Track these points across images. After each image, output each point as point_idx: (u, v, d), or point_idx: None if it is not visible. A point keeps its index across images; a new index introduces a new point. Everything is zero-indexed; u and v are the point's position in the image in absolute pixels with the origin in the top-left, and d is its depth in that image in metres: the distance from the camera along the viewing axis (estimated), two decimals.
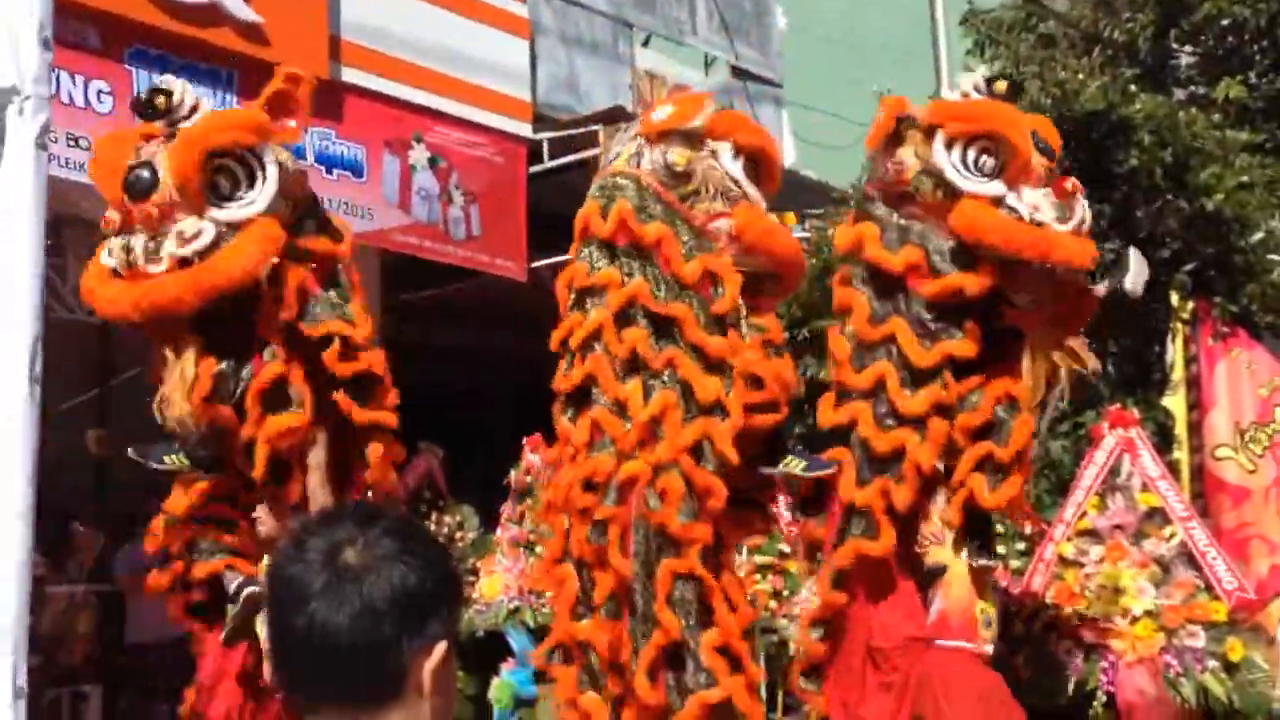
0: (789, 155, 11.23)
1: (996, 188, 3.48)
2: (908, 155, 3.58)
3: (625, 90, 9.68)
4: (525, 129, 8.66)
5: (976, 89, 3.66)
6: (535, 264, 8.44)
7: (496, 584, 6.76)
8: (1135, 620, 4.53)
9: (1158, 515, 4.76)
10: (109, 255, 3.55)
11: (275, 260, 3.54)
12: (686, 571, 3.25)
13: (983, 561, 3.80)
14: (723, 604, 3.29)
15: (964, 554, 3.78)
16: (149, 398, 3.81)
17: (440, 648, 1.36)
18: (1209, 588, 4.68)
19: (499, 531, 7.08)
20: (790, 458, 3.47)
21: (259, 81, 7.05)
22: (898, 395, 3.46)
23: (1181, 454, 6.15)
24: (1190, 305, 6.57)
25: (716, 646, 3.26)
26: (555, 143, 8.69)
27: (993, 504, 3.65)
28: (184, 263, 3.45)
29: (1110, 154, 7.32)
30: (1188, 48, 11.11)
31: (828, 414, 3.53)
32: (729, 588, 3.38)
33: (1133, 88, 8.19)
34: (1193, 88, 10.82)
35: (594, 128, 8.48)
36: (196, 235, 3.46)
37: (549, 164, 8.63)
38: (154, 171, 3.49)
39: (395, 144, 7.83)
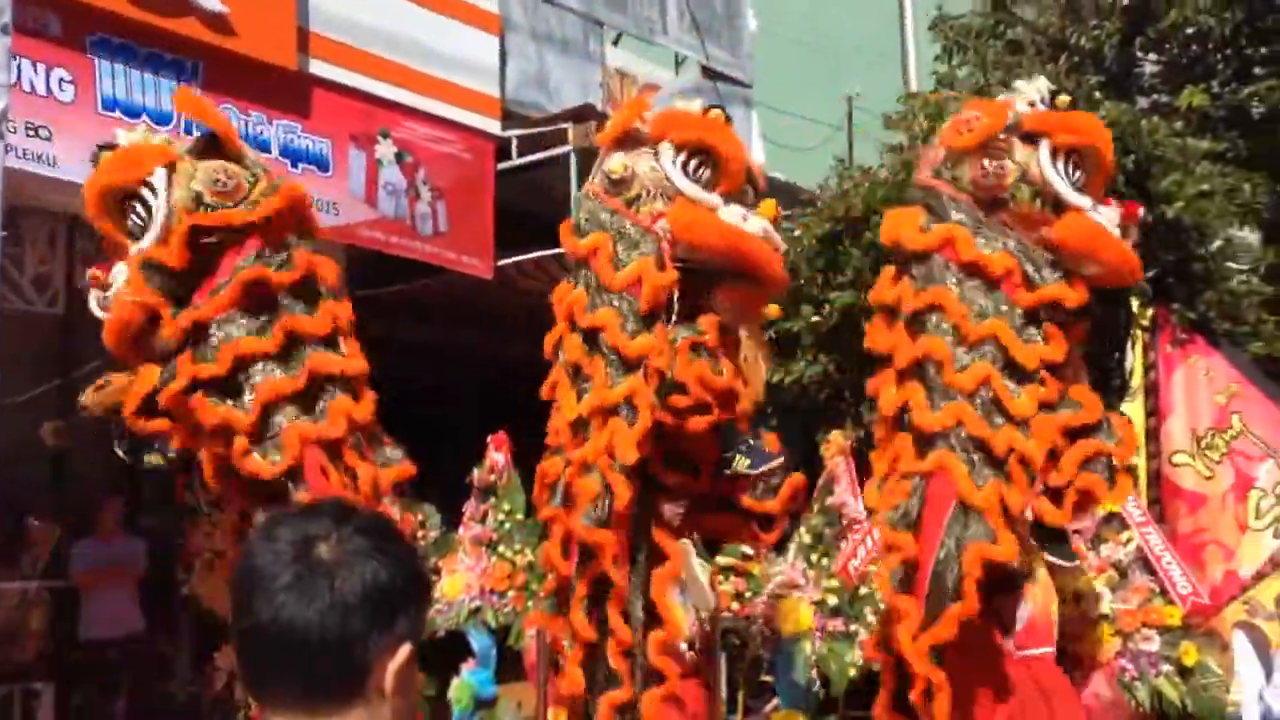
0: (758, 156, 11.26)
1: (1088, 203, 3.48)
2: (1009, 161, 3.53)
3: (595, 88, 9.67)
4: (494, 126, 8.63)
5: (1041, 100, 3.61)
6: (502, 262, 8.41)
7: (458, 583, 6.74)
8: (1094, 624, 4.57)
9: (1115, 520, 4.81)
10: None
11: None
12: (598, 574, 3.30)
13: (1063, 562, 3.84)
14: (617, 613, 3.31)
15: (1045, 556, 3.83)
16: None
17: (406, 648, 1.35)
18: (1164, 593, 4.74)
19: (461, 530, 7.06)
20: (738, 456, 3.47)
21: (225, 73, 7.08)
22: (1005, 395, 3.43)
23: (1139, 460, 6.21)
24: (1150, 312, 6.64)
25: (620, 651, 3.30)
26: (524, 140, 8.66)
27: (1113, 501, 3.69)
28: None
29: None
30: (1152, 56, 11.22)
31: (926, 415, 3.42)
32: (657, 597, 3.37)
33: (1098, 94, 8.28)
34: (1156, 96, 10.94)
35: (563, 126, 8.46)
36: (111, 284, 3.43)
37: (517, 161, 8.60)
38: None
39: (362, 138, 7.78)
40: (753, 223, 3.34)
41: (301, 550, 1.35)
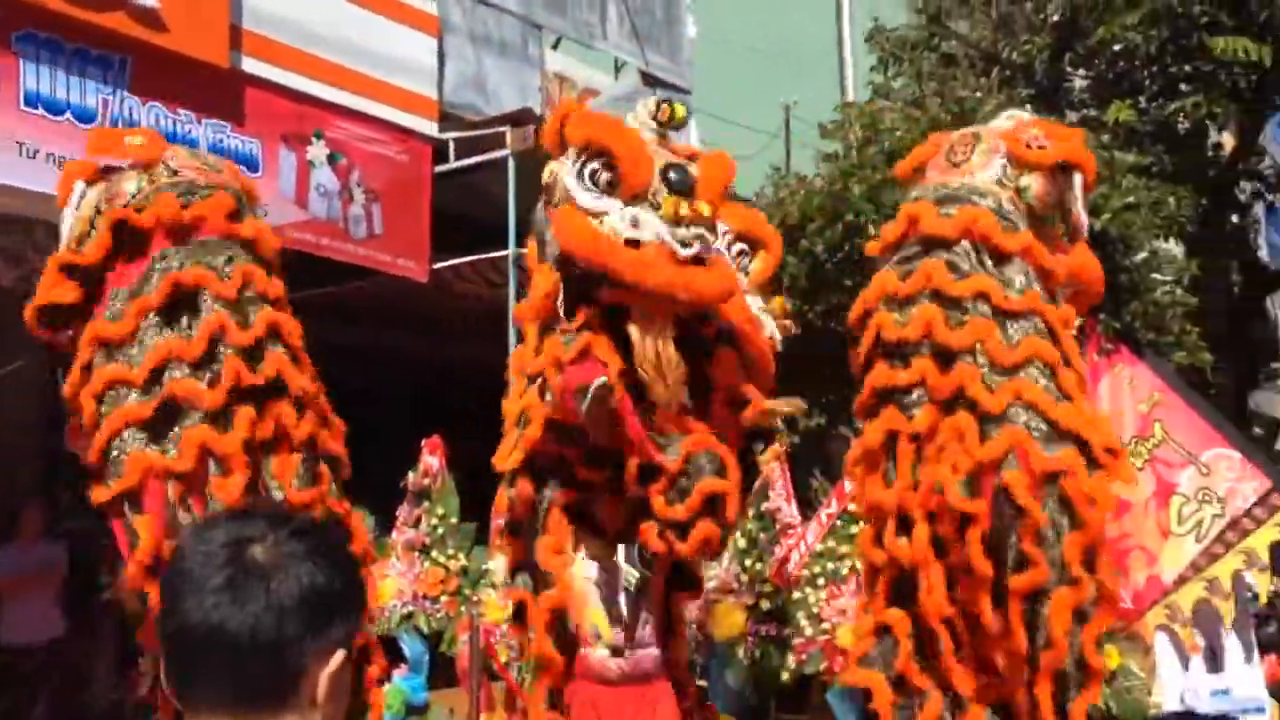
0: None
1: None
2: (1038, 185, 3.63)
3: (534, 92, 9.64)
4: (431, 128, 8.57)
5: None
6: (438, 265, 8.36)
7: (390, 588, 6.68)
8: None
9: None
10: None
11: None
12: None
13: None
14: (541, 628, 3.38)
15: None
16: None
17: (340, 654, 1.33)
18: None
19: (394, 535, 7.00)
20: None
21: (155, 70, 6.95)
22: (1062, 372, 3.52)
23: None
24: (1077, 322, 6.76)
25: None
26: (461, 143, 8.61)
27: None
28: None
29: None
30: (1081, 71, 11.47)
31: (995, 397, 3.41)
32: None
33: (1028, 107, 8.42)
34: (1085, 110, 11.18)
35: (501, 129, 8.43)
36: None
37: (455, 164, 8.56)
38: None
39: (293, 139, 7.67)
40: (645, 229, 3.23)
41: (235, 552, 1.32)
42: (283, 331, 3.28)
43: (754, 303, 3.55)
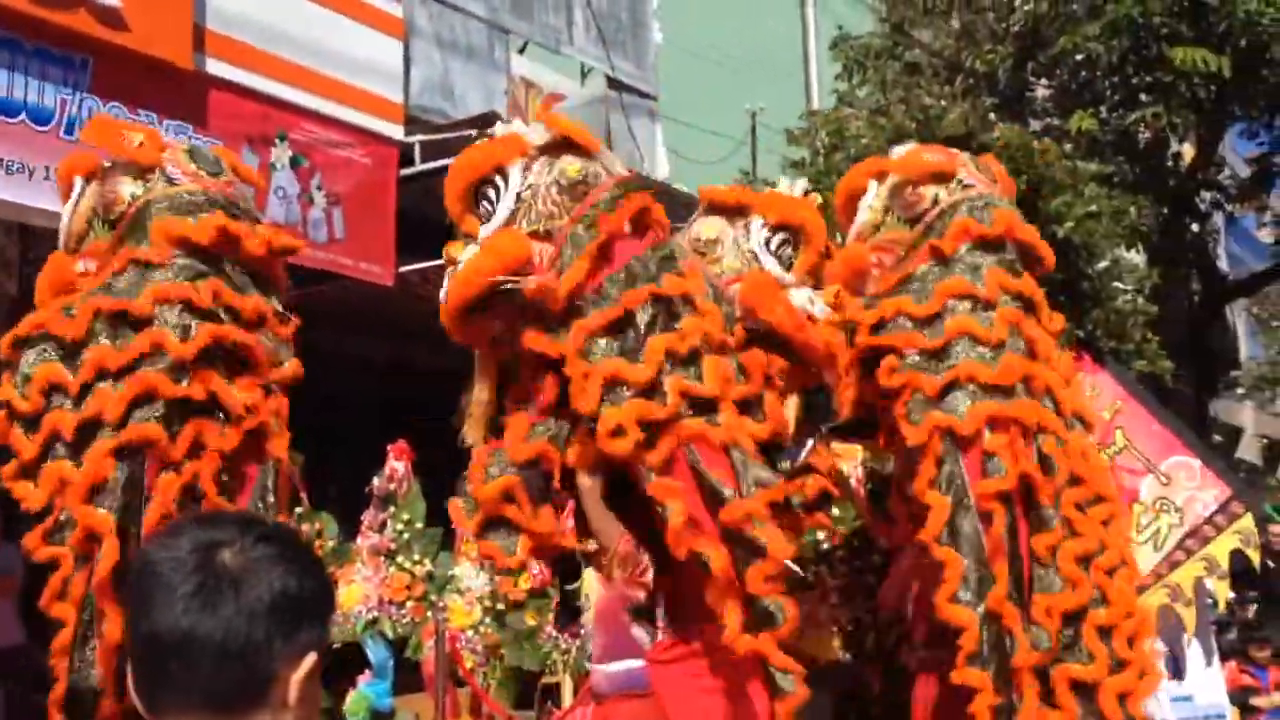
0: (662, 169, 11.31)
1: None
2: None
3: (500, 96, 9.62)
4: (397, 131, 8.53)
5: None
6: (404, 269, 8.31)
7: (355, 594, 6.62)
8: None
9: None
10: None
11: None
12: None
13: None
14: None
15: None
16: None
17: (310, 658, 1.33)
18: None
19: (359, 540, 6.94)
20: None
21: (117, 71, 6.87)
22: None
23: None
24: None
25: None
26: (427, 146, 8.57)
27: None
28: None
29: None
30: (1044, 81, 11.59)
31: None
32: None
33: (992, 116, 8.51)
34: (1048, 119, 11.30)
35: (467, 132, 8.39)
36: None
37: (420, 167, 8.52)
38: None
39: (257, 141, 7.60)
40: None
41: (205, 557, 1.31)
42: (225, 345, 3.28)
43: (801, 294, 3.70)
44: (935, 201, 3.88)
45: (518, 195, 3.40)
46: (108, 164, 3.46)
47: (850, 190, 3.93)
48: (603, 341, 3.22)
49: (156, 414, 3.14)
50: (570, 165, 3.44)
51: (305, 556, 1.39)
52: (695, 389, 3.21)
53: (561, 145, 3.50)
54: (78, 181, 3.44)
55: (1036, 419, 3.43)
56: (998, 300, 3.57)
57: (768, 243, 3.77)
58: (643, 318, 3.25)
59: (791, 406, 3.67)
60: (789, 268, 3.76)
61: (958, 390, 3.42)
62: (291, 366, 3.51)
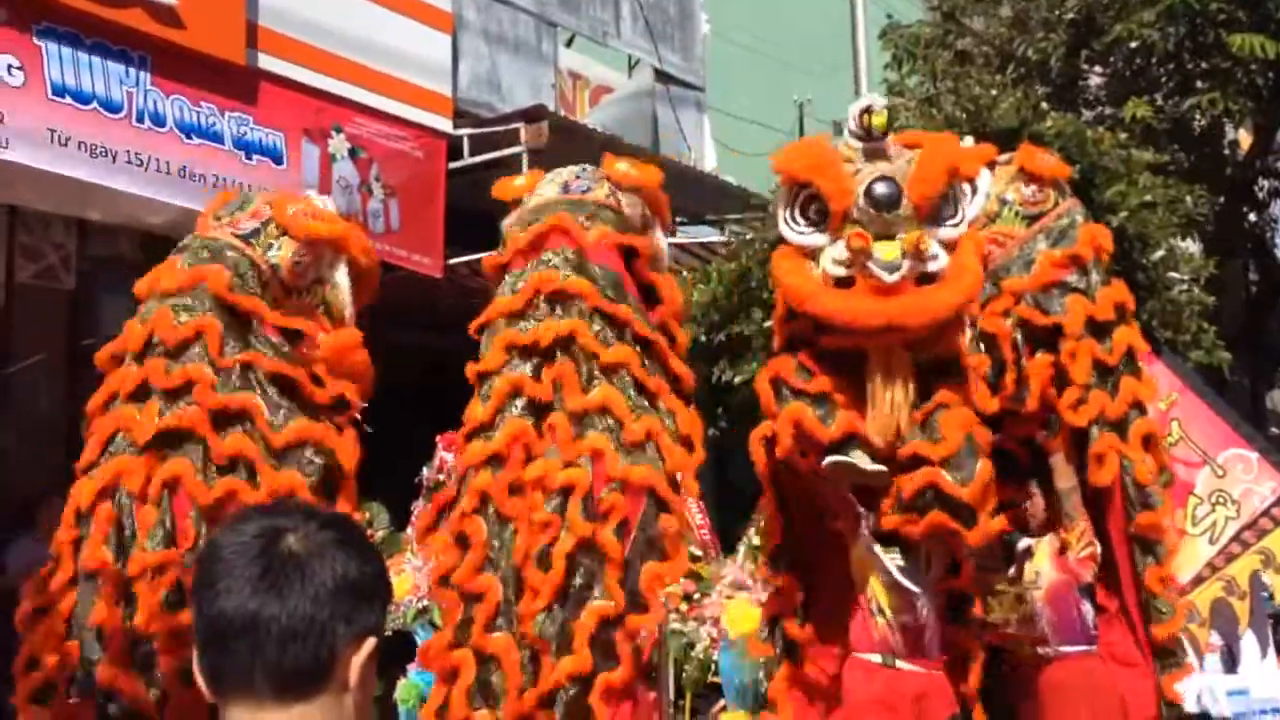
0: (710, 161, 11.29)
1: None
2: None
3: (547, 89, 9.65)
4: (446, 124, 8.58)
5: None
6: (453, 260, 8.37)
7: (405, 583, 6.68)
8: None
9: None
10: None
11: None
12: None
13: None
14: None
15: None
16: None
17: (370, 641, 1.36)
18: None
19: (409, 530, 7.00)
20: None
21: (173, 65, 6.98)
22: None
23: None
24: None
25: None
26: (475, 139, 8.62)
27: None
28: None
29: None
30: (1097, 68, 11.41)
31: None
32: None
33: (1044, 105, 8.40)
34: (1101, 107, 11.13)
35: (515, 125, 8.44)
36: None
37: (469, 160, 8.56)
38: None
39: (315, 133, 7.70)
40: (854, 265, 3.44)
41: (271, 542, 1.35)
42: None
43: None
44: (1055, 204, 4.03)
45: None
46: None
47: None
48: None
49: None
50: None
51: (364, 543, 1.42)
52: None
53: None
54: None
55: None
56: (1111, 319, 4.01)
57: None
58: None
59: None
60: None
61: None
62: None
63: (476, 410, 3.72)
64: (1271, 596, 6.21)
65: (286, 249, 3.84)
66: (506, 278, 3.85)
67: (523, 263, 3.87)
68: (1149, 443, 4.13)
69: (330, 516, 1.42)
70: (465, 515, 3.60)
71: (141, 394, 3.57)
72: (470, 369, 3.77)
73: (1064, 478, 4.20)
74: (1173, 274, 7.92)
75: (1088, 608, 4.20)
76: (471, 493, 3.64)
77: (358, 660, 1.35)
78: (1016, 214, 4.21)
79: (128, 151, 6.59)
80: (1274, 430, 17.99)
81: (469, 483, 3.66)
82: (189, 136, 6.96)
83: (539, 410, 3.69)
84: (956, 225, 3.39)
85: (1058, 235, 4.18)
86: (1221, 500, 6.13)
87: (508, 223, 3.97)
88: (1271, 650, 6.09)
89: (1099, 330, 4.14)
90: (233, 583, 1.32)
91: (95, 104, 6.55)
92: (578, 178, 4.07)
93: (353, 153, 7.89)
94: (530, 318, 3.76)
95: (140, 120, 6.72)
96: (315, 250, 3.90)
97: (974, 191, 3.84)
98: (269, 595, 1.31)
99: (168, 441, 3.49)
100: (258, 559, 1.33)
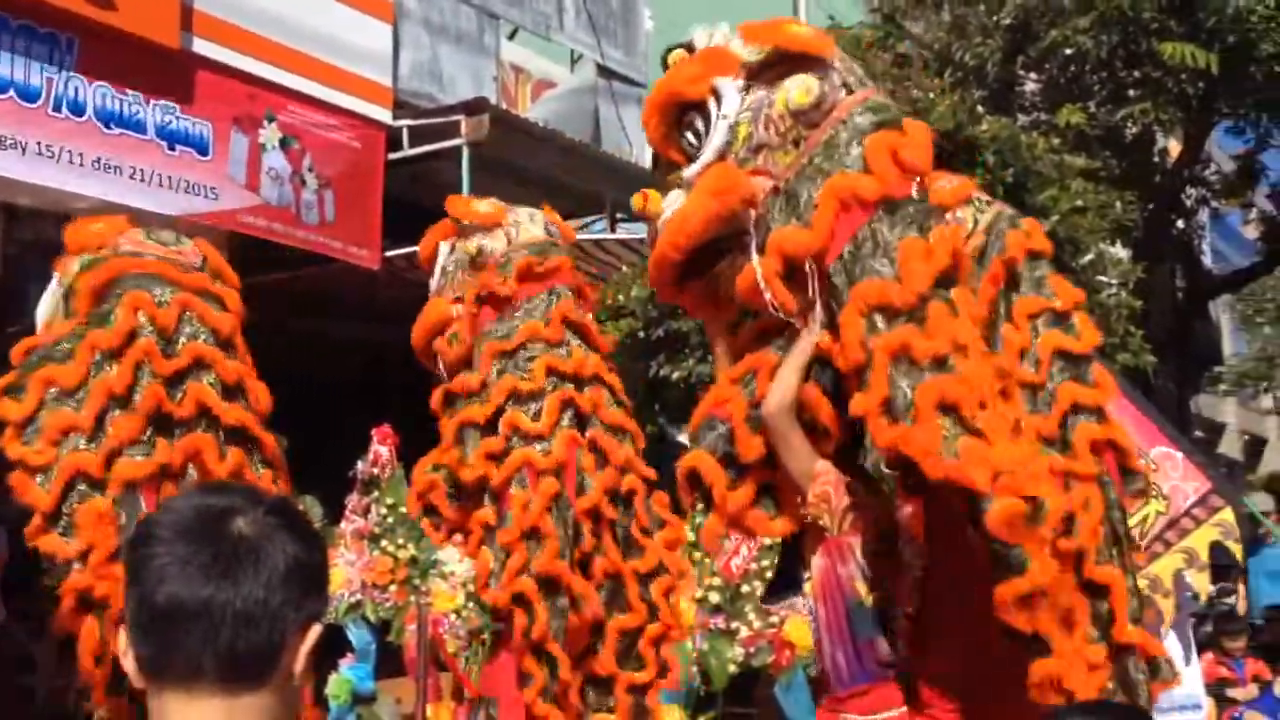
0: (650, 156, 11.30)
1: None
2: None
3: (489, 82, 9.60)
4: (385, 115, 8.50)
5: None
6: (390, 253, 8.29)
7: (338, 577, 6.60)
8: None
9: None
10: None
11: None
12: None
13: None
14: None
15: None
16: None
17: (316, 629, 1.34)
18: None
19: (343, 524, 6.93)
20: None
21: (103, 50, 6.83)
22: None
23: None
24: None
25: None
26: (415, 131, 8.55)
27: None
28: None
29: (956, 172, 7.57)
30: (1033, 75, 11.60)
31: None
32: None
33: (980, 109, 8.52)
34: (1037, 113, 11.33)
35: (455, 118, 8.39)
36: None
37: (408, 152, 8.49)
38: None
39: (245, 121, 7.57)
40: None
41: (217, 524, 1.30)
42: (211, 363, 3.32)
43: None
44: (975, 223, 3.84)
45: (732, 124, 2.84)
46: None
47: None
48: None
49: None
50: (798, 88, 2.85)
51: (307, 528, 1.39)
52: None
53: (783, 60, 2.90)
54: (54, 279, 3.50)
55: None
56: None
57: None
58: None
59: None
60: None
61: None
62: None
63: (524, 421, 4.04)
64: (1195, 596, 6.36)
65: None
66: (523, 304, 4.15)
67: (528, 294, 4.19)
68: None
69: (274, 500, 1.38)
70: (540, 513, 3.99)
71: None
72: (515, 384, 4.10)
73: None
74: (1101, 278, 8.07)
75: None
76: (542, 496, 4.01)
77: (304, 648, 1.32)
78: None
79: (38, 143, 6.43)
80: (1199, 434, 18.44)
81: (541, 489, 4.01)
82: (109, 126, 6.81)
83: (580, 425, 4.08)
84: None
85: (989, 251, 3.98)
86: (1155, 494, 6.26)
87: (496, 250, 4.24)
88: (1194, 652, 6.23)
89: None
90: (179, 567, 1.28)
91: (12, 92, 6.40)
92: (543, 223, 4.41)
93: (284, 143, 7.78)
94: (564, 345, 4.13)
95: (58, 109, 6.57)
96: None
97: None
98: (223, 580, 1.27)
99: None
100: (205, 542, 1.29)
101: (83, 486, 3.16)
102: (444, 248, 4.48)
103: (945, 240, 2.72)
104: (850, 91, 2.88)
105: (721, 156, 2.84)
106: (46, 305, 3.53)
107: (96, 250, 3.45)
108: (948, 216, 3.77)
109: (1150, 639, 3.52)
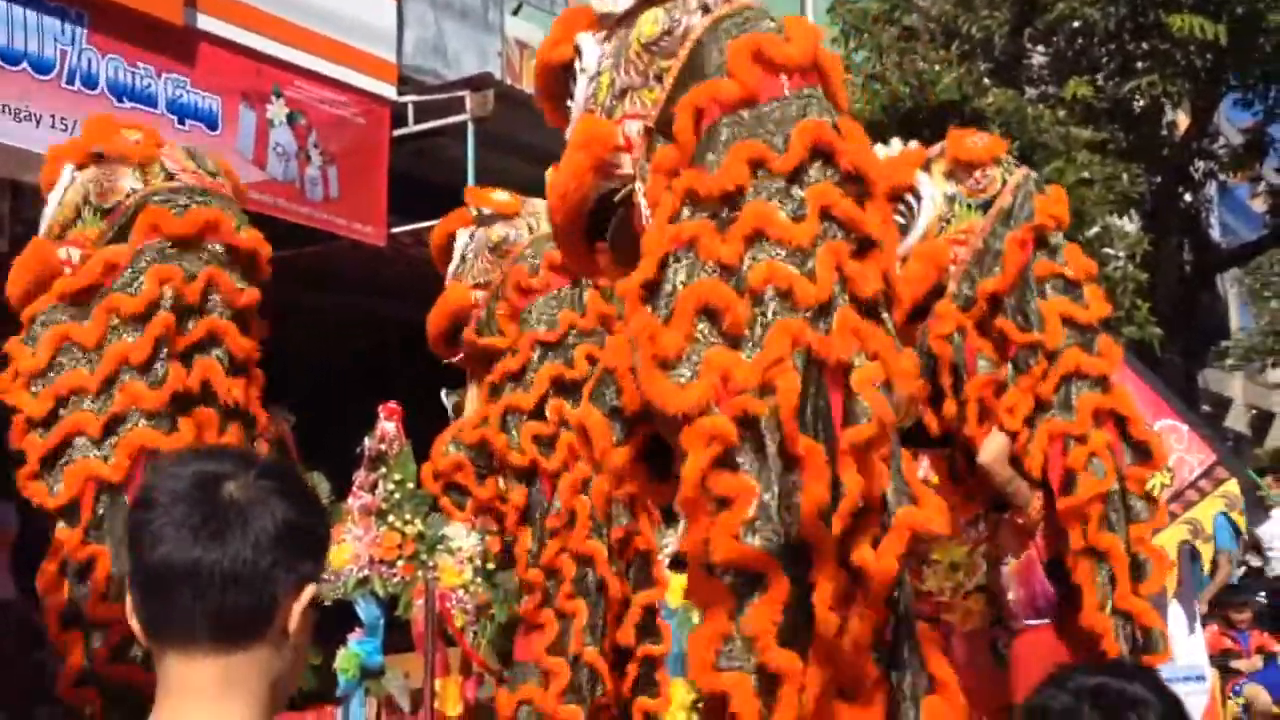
0: None
1: None
2: None
3: (494, 58, 9.57)
4: (389, 91, 8.48)
5: None
6: (396, 229, 8.29)
7: (345, 553, 6.65)
8: (968, 595, 4.72)
9: None
10: None
11: None
12: None
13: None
14: None
15: None
16: None
17: (310, 588, 1.37)
18: None
19: (350, 499, 6.97)
20: None
21: (111, 24, 6.82)
22: None
23: None
24: None
25: None
26: (420, 107, 8.54)
27: None
28: None
29: None
30: (1040, 47, 11.54)
31: None
32: None
33: (986, 81, 8.49)
34: (1044, 86, 11.27)
35: (460, 93, 8.36)
36: None
37: (413, 128, 8.48)
38: None
39: (253, 97, 7.56)
40: None
41: (211, 489, 1.35)
42: (223, 338, 3.32)
43: None
44: (1003, 182, 3.87)
45: (594, 74, 2.78)
46: (100, 152, 3.46)
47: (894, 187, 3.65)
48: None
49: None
50: (647, 22, 2.70)
51: (303, 490, 1.42)
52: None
53: (640, 3, 2.74)
54: (67, 169, 3.45)
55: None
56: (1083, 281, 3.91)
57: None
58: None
59: None
60: None
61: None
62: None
63: (569, 409, 4.21)
64: (1202, 568, 6.37)
65: None
66: (550, 300, 4.35)
67: (558, 285, 4.37)
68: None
69: (268, 464, 1.42)
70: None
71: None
72: (560, 371, 4.30)
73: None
74: (1108, 250, 8.06)
75: (1047, 585, 4.19)
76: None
77: (298, 607, 1.36)
78: (969, 206, 4.04)
79: (52, 116, 6.45)
80: (1206, 408, 18.43)
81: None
82: (121, 99, 6.81)
83: None
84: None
85: (1016, 212, 3.96)
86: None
87: (521, 240, 4.43)
88: (1199, 620, 6.25)
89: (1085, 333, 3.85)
90: (174, 530, 1.32)
91: (25, 64, 6.40)
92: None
93: (291, 118, 7.77)
94: (597, 334, 4.32)
95: (71, 81, 6.58)
96: None
97: (919, 199, 3.82)
98: (212, 542, 1.31)
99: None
100: (197, 506, 1.33)
101: (81, 440, 3.18)
102: (462, 234, 4.59)
103: (805, 136, 2.43)
104: (709, 11, 2.67)
105: (590, 111, 2.74)
106: (57, 202, 3.45)
107: (139, 165, 3.43)
108: (976, 174, 3.84)
109: (1148, 609, 3.58)
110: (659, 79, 2.65)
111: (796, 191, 2.42)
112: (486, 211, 4.55)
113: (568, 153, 2.67)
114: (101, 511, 3.22)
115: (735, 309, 2.33)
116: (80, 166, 3.47)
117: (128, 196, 3.41)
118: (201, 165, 3.57)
